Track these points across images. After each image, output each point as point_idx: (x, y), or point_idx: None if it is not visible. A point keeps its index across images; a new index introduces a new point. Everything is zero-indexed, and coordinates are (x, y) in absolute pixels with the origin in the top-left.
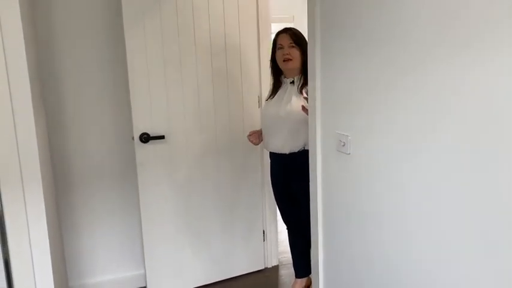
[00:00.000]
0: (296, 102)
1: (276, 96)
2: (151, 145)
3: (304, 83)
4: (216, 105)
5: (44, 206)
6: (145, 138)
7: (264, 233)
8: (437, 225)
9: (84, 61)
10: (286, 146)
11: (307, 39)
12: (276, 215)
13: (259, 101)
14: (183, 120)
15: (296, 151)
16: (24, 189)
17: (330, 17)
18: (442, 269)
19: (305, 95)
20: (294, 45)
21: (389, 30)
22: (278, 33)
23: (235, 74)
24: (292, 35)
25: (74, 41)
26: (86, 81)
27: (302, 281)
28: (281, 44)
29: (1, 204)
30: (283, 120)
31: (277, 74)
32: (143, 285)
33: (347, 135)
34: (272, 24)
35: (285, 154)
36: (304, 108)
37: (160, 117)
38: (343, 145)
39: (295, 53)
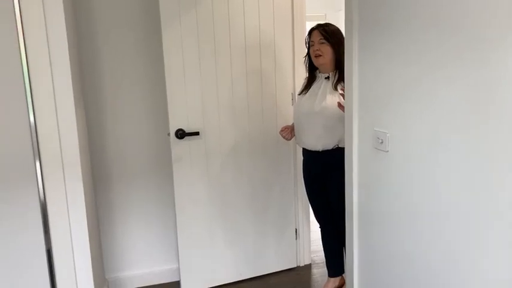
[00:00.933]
0: (331, 98)
1: (309, 91)
2: (186, 141)
3: (340, 79)
4: (250, 101)
5: (83, 197)
6: (180, 134)
7: (296, 231)
8: (476, 225)
9: (122, 58)
10: (319, 143)
11: (342, 35)
12: (309, 213)
13: (293, 98)
14: (217, 117)
15: (329, 148)
16: (66, 181)
17: (369, 12)
18: (482, 269)
19: (341, 91)
20: (324, 41)
21: (437, 26)
22: (311, 30)
23: (269, 70)
24: (322, 32)
25: (112, 38)
26: (123, 79)
27: (335, 281)
28: (312, 41)
29: (44, 195)
30: (317, 117)
31: (312, 69)
32: (177, 279)
33: (385, 133)
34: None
35: (318, 151)
36: (340, 105)
37: (196, 114)
38: (381, 142)
39: (326, 49)
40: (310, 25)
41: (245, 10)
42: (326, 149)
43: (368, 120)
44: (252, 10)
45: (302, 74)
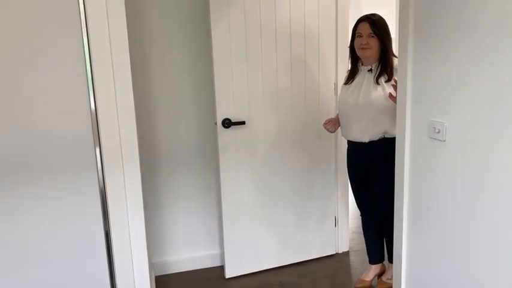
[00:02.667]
0: (375, 91)
1: (353, 83)
2: (232, 130)
3: (382, 72)
4: (293, 92)
5: (140, 183)
6: (227, 123)
7: (335, 219)
8: None
9: (171, 48)
10: (365, 134)
11: (387, 26)
12: (348, 202)
13: (335, 89)
14: (262, 107)
15: (376, 139)
16: (124, 167)
17: (426, 3)
18: None
19: (393, 82)
20: (373, 35)
21: (498, 18)
22: (358, 21)
23: (313, 61)
24: (371, 25)
25: (161, 28)
26: (172, 68)
27: (376, 267)
28: (360, 33)
29: (104, 180)
30: (362, 109)
31: (355, 61)
32: (221, 264)
33: (443, 122)
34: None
35: (364, 142)
36: (391, 96)
37: (242, 104)
38: (438, 132)
39: (374, 43)
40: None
41: (291, 0)
42: (372, 140)
43: (423, 110)
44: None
45: (345, 65)
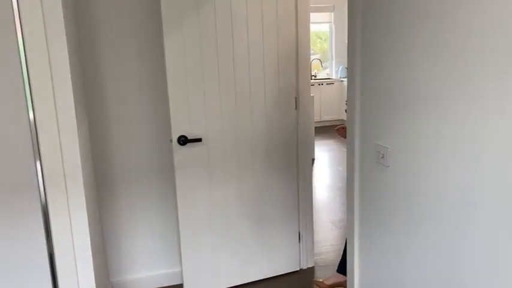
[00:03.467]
0: None
1: None
2: (188, 147)
3: None
4: (253, 106)
5: (84, 201)
6: (183, 140)
7: (299, 234)
8: (482, 246)
9: (124, 63)
10: None
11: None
12: (313, 217)
13: (297, 102)
14: (220, 123)
15: None
16: (67, 185)
17: (373, 13)
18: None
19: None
20: None
21: (448, 34)
22: None
23: (272, 73)
24: None
25: (114, 44)
26: (126, 84)
27: (338, 276)
28: None
29: (46, 200)
30: None
31: None
32: (180, 282)
33: (386, 147)
34: (311, 14)
35: None
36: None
37: (198, 120)
38: (382, 157)
39: None
40: (316, 17)
41: (248, 13)
42: None
43: (370, 133)
44: (255, 7)
45: (305, 80)
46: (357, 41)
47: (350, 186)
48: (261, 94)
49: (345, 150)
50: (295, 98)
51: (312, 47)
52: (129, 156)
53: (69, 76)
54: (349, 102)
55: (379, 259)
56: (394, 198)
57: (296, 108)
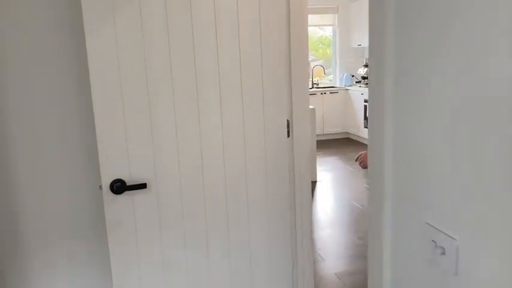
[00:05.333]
0: None
1: None
2: (127, 196)
3: None
4: (226, 135)
5: None
6: (118, 187)
7: None
8: None
9: (32, 71)
10: None
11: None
12: (313, 272)
13: (289, 126)
14: (175, 160)
15: None
16: None
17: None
18: None
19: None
20: None
21: None
22: None
23: (253, 90)
24: None
25: (22, 45)
26: (37, 111)
27: None
28: None
29: None
30: None
31: None
32: None
33: (451, 237)
34: (313, 15)
35: None
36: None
37: (141, 156)
38: (441, 253)
39: None
40: (318, 18)
41: (217, 6)
42: None
43: (413, 204)
44: (228, 6)
45: (301, 97)
46: (386, 24)
47: None
48: (236, 118)
49: (351, 169)
50: (287, 121)
51: (313, 52)
52: (44, 212)
53: None
54: (373, 125)
55: None
56: None
57: (289, 135)
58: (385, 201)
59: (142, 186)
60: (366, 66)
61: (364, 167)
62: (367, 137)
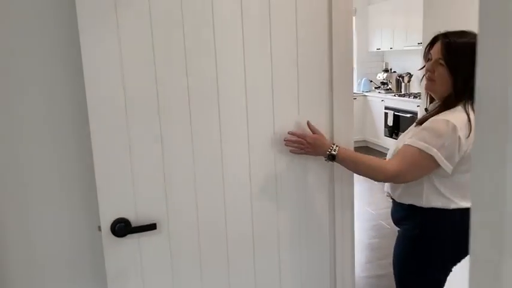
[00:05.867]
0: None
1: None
2: (133, 240)
3: (429, 115)
4: (253, 161)
5: None
6: (120, 228)
7: None
8: None
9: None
10: (385, 187)
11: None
12: None
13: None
14: (192, 193)
15: (406, 202)
16: None
17: None
18: None
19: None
20: (442, 62)
21: None
22: (434, 39)
23: (287, 100)
24: (445, 46)
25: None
26: (25, 137)
27: None
28: (431, 54)
29: None
30: None
31: None
32: None
33: None
34: None
35: (394, 200)
36: None
37: (150, 191)
38: None
39: (441, 74)
40: None
41: (244, 5)
42: (401, 201)
43: None
44: (258, 6)
45: (346, 104)
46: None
47: None
48: (265, 137)
49: (373, 182)
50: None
51: None
52: (34, 257)
53: None
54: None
55: None
56: None
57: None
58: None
59: (152, 227)
60: (386, 71)
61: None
62: (387, 146)
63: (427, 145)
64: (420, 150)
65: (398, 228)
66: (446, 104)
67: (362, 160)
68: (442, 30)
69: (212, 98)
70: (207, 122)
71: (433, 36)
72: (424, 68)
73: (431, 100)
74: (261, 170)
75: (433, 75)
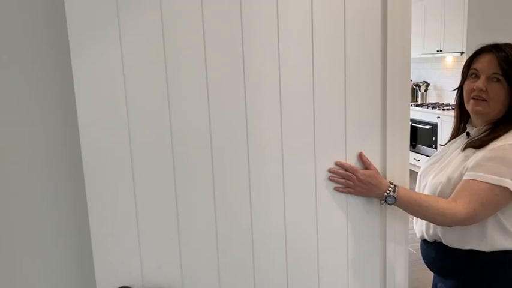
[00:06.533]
0: (454, 168)
1: (444, 149)
2: None
3: (484, 139)
4: (291, 214)
5: None
6: None
7: None
8: None
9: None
10: (430, 230)
11: None
12: None
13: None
14: (213, 254)
15: (463, 248)
16: None
17: None
18: None
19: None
20: (500, 77)
21: None
22: (479, 51)
23: (330, 128)
24: (503, 60)
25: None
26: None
27: None
28: (477, 71)
29: None
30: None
31: (461, 114)
32: None
33: None
34: None
35: (428, 242)
36: None
37: (161, 252)
38: None
39: (497, 92)
40: None
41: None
42: (440, 241)
43: None
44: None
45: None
46: None
47: None
48: (308, 183)
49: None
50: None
51: None
52: None
53: None
54: None
55: None
56: None
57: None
58: None
59: None
60: None
61: None
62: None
63: (498, 177)
64: (492, 185)
65: (440, 283)
66: (502, 127)
67: (429, 203)
68: (486, 42)
69: (241, 148)
70: (233, 174)
71: (477, 48)
72: (470, 87)
73: (458, 120)
74: (297, 233)
75: (487, 95)
